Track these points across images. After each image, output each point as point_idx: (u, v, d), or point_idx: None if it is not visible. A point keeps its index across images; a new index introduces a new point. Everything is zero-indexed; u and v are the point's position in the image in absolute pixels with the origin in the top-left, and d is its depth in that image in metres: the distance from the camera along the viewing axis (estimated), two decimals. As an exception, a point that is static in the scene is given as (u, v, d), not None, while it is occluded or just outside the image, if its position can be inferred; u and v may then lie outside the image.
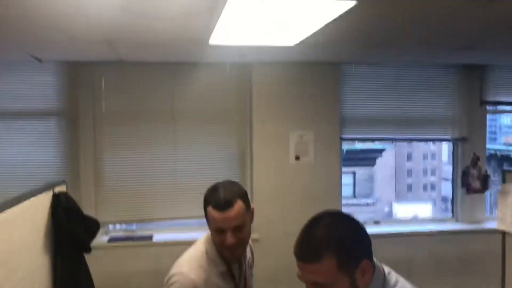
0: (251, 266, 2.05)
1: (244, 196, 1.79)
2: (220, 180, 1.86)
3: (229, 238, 1.73)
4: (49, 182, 2.70)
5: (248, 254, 2.01)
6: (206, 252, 1.83)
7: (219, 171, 4.09)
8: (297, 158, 4.18)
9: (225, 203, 1.72)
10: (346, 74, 4.31)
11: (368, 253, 1.28)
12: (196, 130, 4.12)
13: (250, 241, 1.97)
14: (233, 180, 1.89)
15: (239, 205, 1.74)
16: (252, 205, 1.85)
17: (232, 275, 1.86)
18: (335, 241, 1.23)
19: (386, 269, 1.35)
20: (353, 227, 1.30)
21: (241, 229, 1.76)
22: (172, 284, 1.74)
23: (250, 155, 4.18)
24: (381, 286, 1.29)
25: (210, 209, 1.75)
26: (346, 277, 1.23)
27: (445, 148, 24.56)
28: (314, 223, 1.30)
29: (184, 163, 4.11)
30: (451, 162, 4.88)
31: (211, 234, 1.82)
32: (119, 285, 3.92)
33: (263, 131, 4.13)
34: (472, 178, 4.46)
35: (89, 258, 2.71)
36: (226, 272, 1.84)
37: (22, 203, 2.07)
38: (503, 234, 2.79)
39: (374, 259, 1.34)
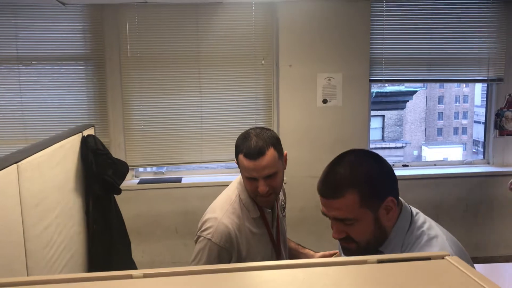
0: (284, 209, 2.04)
1: (276, 143, 1.75)
2: (247, 124, 1.83)
3: (261, 187, 1.71)
4: (78, 126, 2.75)
5: (281, 196, 1.99)
6: (239, 197, 1.82)
7: (245, 115, 4.08)
8: (325, 101, 4.11)
9: (256, 151, 1.68)
10: (377, 12, 4.14)
11: (393, 191, 1.26)
12: (222, 73, 4.08)
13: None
14: (264, 126, 1.84)
15: (271, 153, 1.70)
16: (285, 152, 1.82)
17: (265, 220, 1.85)
18: (358, 178, 1.23)
19: (414, 210, 1.34)
20: (378, 165, 1.28)
21: (274, 177, 1.73)
22: (206, 229, 1.76)
23: (276, 98, 4.13)
24: (408, 225, 1.28)
25: (241, 157, 1.72)
26: (369, 214, 1.23)
27: (478, 91, 23.81)
28: (338, 161, 1.29)
29: (209, 108, 4.11)
30: (484, 104, 4.73)
31: (245, 183, 1.80)
32: (149, 225, 4.06)
33: (290, 74, 4.06)
34: (506, 120, 4.33)
35: (120, 199, 2.79)
36: (259, 217, 1.83)
37: (53, 145, 2.11)
38: (536, 176, 2.72)
39: (402, 199, 1.33)
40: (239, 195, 1.83)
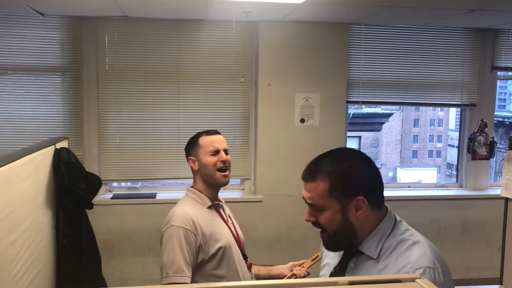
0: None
1: None
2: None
3: (223, 156, 2.07)
4: (52, 138, 2.70)
5: (227, 210, 2.24)
6: (191, 197, 2.11)
7: (223, 132, 3.98)
8: (302, 121, 4.14)
9: (214, 131, 2.15)
10: (355, 35, 4.21)
11: (368, 193, 1.29)
12: (201, 89, 4.07)
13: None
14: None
15: (222, 136, 2.19)
16: None
17: (218, 212, 2.10)
18: (335, 169, 1.29)
19: (398, 218, 1.40)
20: (360, 165, 1.32)
21: (228, 154, 2.13)
22: (170, 220, 1.99)
23: (254, 117, 4.14)
24: (390, 229, 1.33)
25: (203, 137, 2.10)
26: (337, 205, 1.28)
27: (452, 115, 24.34)
28: (326, 153, 1.37)
29: (187, 124, 4.08)
30: (458, 128, 4.83)
31: (205, 163, 2.07)
32: (122, 241, 3.98)
33: (269, 92, 4.08)
34: (478, 144, 4.42)
35: (92, 214, 2.73)
36: (212, 208, 2.08)
37: (24, 157, 2.06)
38: (506, 200, 2.77)
39: (387, 205, 1.38)
40: (190, 197, 2.11)
